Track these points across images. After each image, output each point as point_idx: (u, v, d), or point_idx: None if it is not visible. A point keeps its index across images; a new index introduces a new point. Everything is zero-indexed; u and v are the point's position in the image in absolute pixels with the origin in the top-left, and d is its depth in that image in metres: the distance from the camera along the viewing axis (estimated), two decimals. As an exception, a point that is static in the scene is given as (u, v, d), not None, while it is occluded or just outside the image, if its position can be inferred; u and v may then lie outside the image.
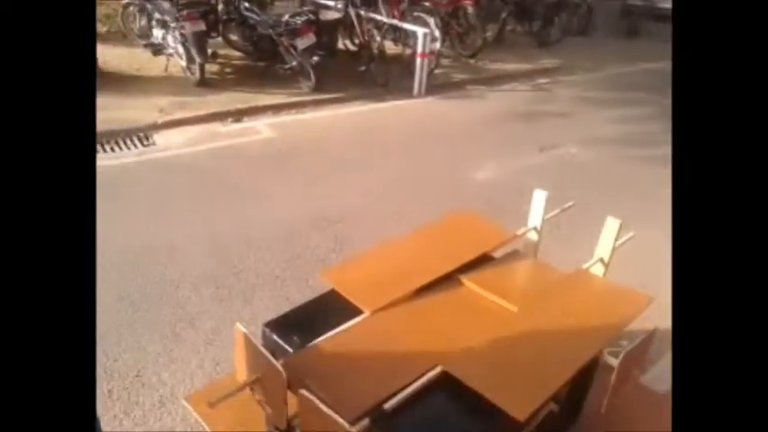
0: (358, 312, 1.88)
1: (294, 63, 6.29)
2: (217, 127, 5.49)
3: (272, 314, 2.01)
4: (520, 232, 2.39)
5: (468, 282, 2.02)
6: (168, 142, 5.02)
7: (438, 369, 1.62)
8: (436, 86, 6.94)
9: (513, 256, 2.28)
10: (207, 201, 4.04)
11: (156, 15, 6.47)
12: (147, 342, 2.65)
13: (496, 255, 2.26)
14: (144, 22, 6.97)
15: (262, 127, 5.57)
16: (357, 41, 7.29)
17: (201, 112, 5.66)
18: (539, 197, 2.35)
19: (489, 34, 8.51)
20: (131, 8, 7.22)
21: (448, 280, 2.04)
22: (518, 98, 7.08)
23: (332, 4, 7.31)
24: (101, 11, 8.15)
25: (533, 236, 2.40)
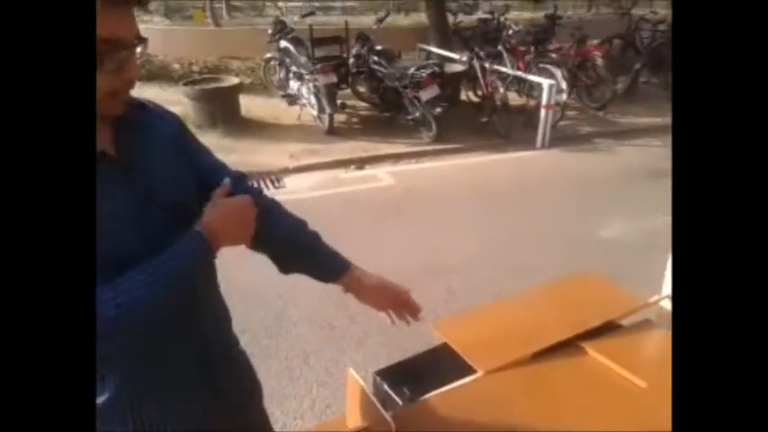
0: (470, 370, 1.82)
1: (417, 114, 6.47)
2: (340, 173, 5.77)
3: (383, 360, 2.01)
4: (652, 300, 2.20)
5: (591, 350, 1.88)
6: (296, 186, 5.34)
7: (556, 443, 1.51)
8: (560, 139, 6.76)
9: (644, 326, 2.09)
10: (327, 243, 4.20)
11: (293, 68, 7.04)
12: (263, 376, 2.75)
13: (624, 323, 2.10)
14: (282, 74, 7.61)
15: (382, 174, 5.75)
16: (480, 93, 7.35)
17: (327, 159, 5.99)
18: (674, 263, 2.16)
19: (620, 86, 8.16)
20: (272, 62, 7.96)
21: (569, 346, 1.91)
22: (651, 154, 6.66)
23: (456, 57, 7.49)
24: (245, 64, 9.07)
25: (667, 305, 2.20)
